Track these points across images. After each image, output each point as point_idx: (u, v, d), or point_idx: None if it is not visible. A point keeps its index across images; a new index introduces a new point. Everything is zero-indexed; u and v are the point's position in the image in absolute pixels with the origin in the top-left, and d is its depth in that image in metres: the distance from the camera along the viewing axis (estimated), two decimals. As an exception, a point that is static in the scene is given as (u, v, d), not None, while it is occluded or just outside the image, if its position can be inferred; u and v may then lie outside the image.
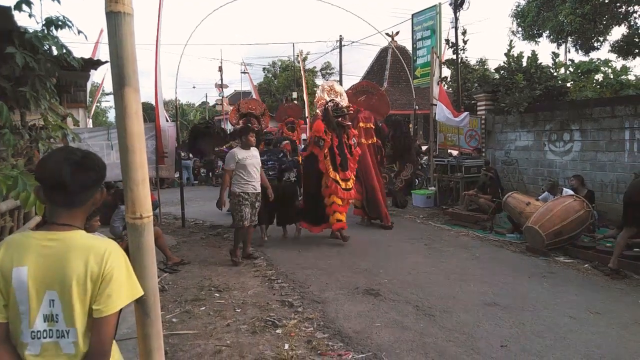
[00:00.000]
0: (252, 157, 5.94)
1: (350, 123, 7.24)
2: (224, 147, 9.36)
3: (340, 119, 6.99)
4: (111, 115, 37.86)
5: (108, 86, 25.56)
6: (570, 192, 7.09)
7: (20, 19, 3.13)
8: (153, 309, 1.50)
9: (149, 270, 1.49)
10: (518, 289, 4.85)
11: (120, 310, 1.43)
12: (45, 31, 3.06)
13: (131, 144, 1.44)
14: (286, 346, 3.54)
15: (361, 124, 7.97)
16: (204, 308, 4.40)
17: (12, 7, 2.78)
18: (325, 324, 3.98)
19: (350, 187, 7.09)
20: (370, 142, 8.18)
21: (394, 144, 9.40)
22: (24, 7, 2.80)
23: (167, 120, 10.13)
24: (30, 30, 2.99)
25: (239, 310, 4.32)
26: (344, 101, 7.28)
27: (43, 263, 1.35)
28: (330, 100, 7.18)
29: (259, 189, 5.99)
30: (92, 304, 1.36)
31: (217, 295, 4.77)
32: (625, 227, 5.38)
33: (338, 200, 6.90)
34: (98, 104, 27.32)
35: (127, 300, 1.41)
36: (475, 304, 4.42)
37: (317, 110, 7.42)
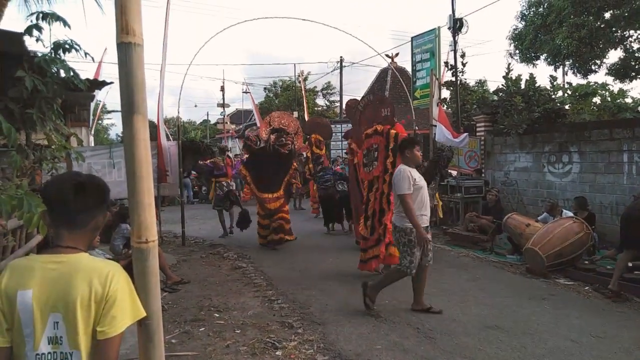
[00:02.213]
0: (422, 179, 4.71)
1: None
2: (208, 160, 9.48)
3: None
4: (112, 133, 38.13)
5: (109, 104, 25.81)
6: (570, 213, 7.11)
7: (31, 43, 3.20)
8: (156, 333, 1.51)
9: (153, 295, 1.51)
10: (519, 312, 4.83)
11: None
12: (54, 54, 3.12)
13: (139, 170, 1.47)
14: (286, 369, 3.51)
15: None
16: (203, 329, 4.37)
17: (23, 31, 2.86)
18: (325, 346, 3.96)
19: None
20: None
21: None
22: (34, 31, 2.87)
23: (169, 139, 10.20)
24: (39, 54, 3.06)
25: (238, 331, 4.29)
26: None
27: (48, 285, 1.37)
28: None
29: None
30: (96, 326, 1.37)
31: (217, 315, 4.75)
32: (624, 249, 5.39)
33: None
34: (100, 122, 27.52)
35: (131, 321, 1.42)
36: (476, 326, 4.39)
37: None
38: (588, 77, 14.93)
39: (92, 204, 1.48)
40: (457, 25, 11.08)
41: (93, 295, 1.36)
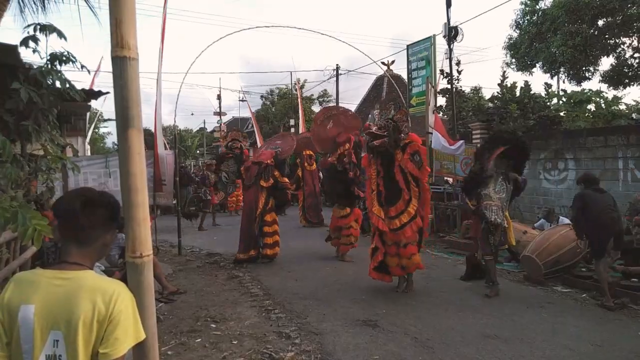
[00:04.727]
0: None
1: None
2: None
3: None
4: (109, 141, 38.02)
5: (106, 113, 25.79)
6: (567, 220, 7.12)
7: (27, 55, 3.20)
8: (152, 349, 1.49)
9: (148, 310, 1.49)
10: (517, 320, 4.81)
11: None
12: (50, 66, 3.12)
13: (134, 184, 1.46)
14: (283, 380, 3.48)
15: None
16: (199, 340, 4.33)
17: (19, 43, 2.86)
18: (322, 357, 3.93)
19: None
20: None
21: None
22: (31, 43, 2.87)
23: (166, 148, 10.20)
24: (35, 65, 3.05)
25: (235, 342, 4.26)
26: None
27: (51, 302, 1.36)
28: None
29: None
30: (98, 347, 1.35)
31: (213, 326, 4.71)
32: (595, 259, 5.34)
33: None
34: (96, 130, 27.45)
35: (133, 342, 1.40)
36: (474, 335, 4.38)
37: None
38: (582, 84, 15.06)
39: (101, 220, 1.47)
40: (452, 34, 11.16)
41: (96, 315, 1.35)
